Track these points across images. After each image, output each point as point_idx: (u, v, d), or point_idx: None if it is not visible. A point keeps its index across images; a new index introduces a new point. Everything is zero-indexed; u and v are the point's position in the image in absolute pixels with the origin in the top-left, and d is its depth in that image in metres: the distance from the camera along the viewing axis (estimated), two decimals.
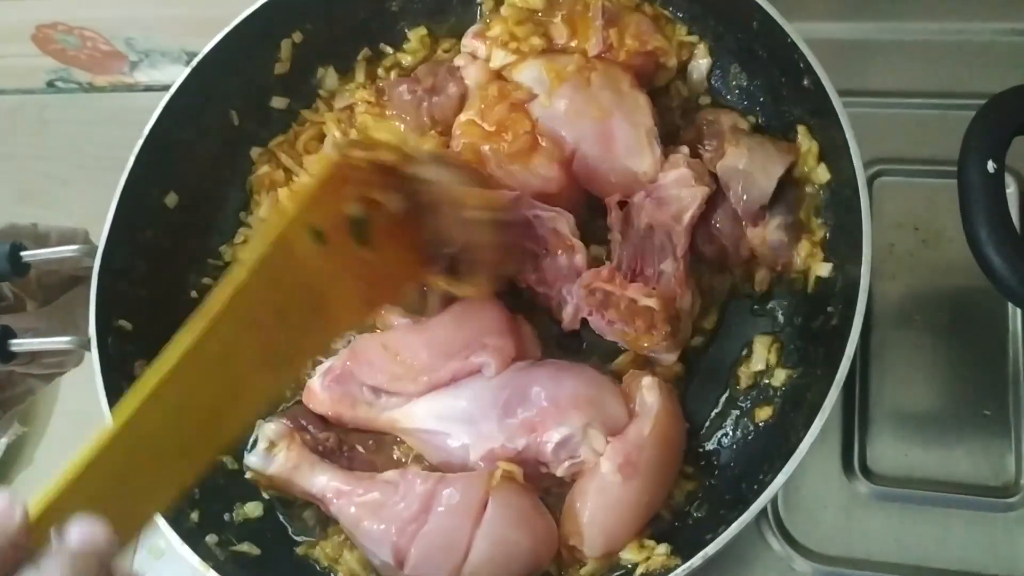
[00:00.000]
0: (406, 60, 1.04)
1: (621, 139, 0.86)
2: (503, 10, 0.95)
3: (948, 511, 0.86)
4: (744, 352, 0.88)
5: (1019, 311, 0.91)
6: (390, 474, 0.82)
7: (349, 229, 0.65)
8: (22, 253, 0.85)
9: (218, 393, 0.54)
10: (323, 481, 0.83)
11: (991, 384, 0.89)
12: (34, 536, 0.44)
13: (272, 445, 0.85)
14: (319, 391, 0.87)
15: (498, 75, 0.91)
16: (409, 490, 0.79)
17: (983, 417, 0.88)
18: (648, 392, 0.80)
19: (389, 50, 1.04)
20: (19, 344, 0.83)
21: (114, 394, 0.83)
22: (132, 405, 0.51)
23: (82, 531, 0.43)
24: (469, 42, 0.95)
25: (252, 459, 0.85)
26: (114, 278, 0.88)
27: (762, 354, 0.86)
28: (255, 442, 0.86)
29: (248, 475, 0.87)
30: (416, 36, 1.03)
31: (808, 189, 0.86)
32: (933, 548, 0.85)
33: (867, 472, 0.88)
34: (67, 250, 0.87)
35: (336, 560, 0.85)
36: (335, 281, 0.64)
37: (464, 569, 0.77)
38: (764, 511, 0.87)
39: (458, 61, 0.95)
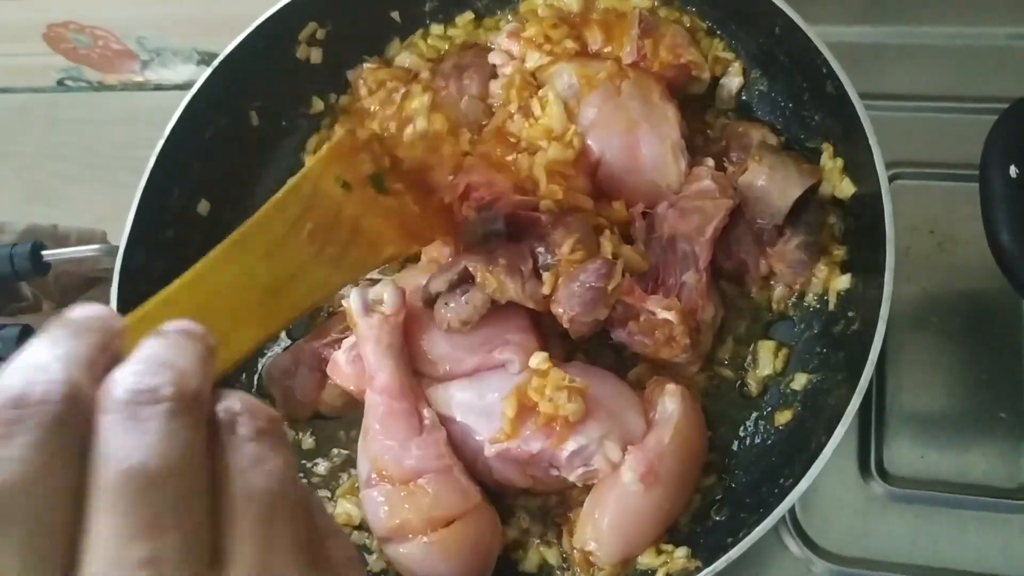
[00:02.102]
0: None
1: (647, 151, 0.86)
2: (540, 10, 0.95)
3: (964, 513, 0.86)
4: (750, 358, 0.87)
5: None
6: (430, 413, 0.81)
7: (369, 181, 0.76)
8: (43, 252, 0.85)
9: (279, 271, 0.63)
10: (384, 372, 0.80)
11: (1007, 386, 0.90)
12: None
13: (377, 303, 0.81)
14: (344, 365, 0.85)
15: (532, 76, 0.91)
16: (423, 452, 0.79)
17: (999, 419, 0.89)
18: (670, 399, 0.80)
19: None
20: None
21: None
22: (206, 259, 0.59)
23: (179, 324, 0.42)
24: (504, 41, 0.96)
25: (354, 298, 0.81)
26: (134, 279, 0.87)
27: (768, 359, 0.86)
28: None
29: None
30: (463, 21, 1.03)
31: (831, 218, 0.86)
32: (949, 549, 0.85)
33: (883, 474, 0.89)
34: (88, 250, 0.87)
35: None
36: (366, 217, 0.73)
37: None
38: None
39: (494, 59, 0.96)
